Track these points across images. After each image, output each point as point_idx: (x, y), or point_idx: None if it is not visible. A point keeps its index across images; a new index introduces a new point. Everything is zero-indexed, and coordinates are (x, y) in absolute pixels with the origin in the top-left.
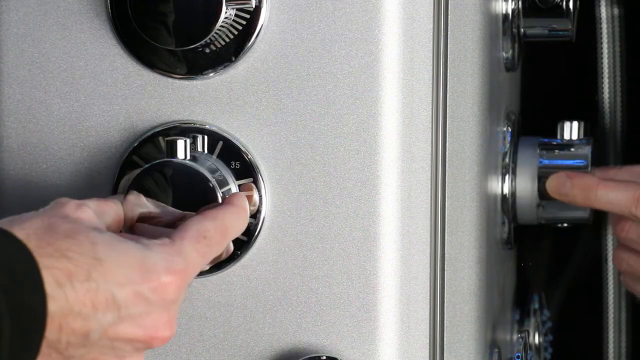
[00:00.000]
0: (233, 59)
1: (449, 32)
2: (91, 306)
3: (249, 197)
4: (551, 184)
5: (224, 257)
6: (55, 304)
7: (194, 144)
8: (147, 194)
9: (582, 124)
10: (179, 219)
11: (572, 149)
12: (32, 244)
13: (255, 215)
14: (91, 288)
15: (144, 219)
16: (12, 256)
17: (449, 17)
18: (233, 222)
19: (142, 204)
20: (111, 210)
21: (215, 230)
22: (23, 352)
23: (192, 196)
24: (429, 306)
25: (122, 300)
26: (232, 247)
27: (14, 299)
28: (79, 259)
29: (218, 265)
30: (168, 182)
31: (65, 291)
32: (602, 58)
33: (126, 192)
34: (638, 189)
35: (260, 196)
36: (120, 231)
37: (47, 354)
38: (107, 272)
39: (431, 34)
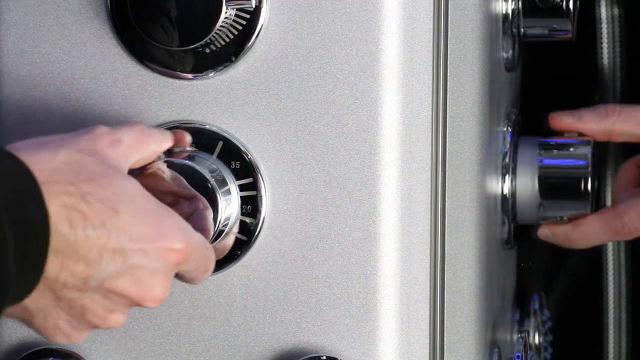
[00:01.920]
0: (233, 59)
1: (449, 32)
2: (97, 253)
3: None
4: (540, 235)
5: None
6: (63, 242)
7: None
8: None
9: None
10: (188, 197)
11: (572, 149)
12: (50, 177)
13: (255, 215)
14: (102, 235)
15: (161, 185)
16: (18, 183)
17: (449, 17)
18: (211, 266)
19: (166, 171)
20: (148, 148)
21: (211, 256)
22: (26, 270)
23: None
24: (429, 306)
25: (129, 254)
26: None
27: (17, 216)
28: (97, 205)
29: (218, 265)
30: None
31: (76, 232)
32: (602, 58)
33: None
34: (612, 222)
35: (260, 196)
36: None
37: (40, 290)
38: (123, 225)
39: (431, 34)
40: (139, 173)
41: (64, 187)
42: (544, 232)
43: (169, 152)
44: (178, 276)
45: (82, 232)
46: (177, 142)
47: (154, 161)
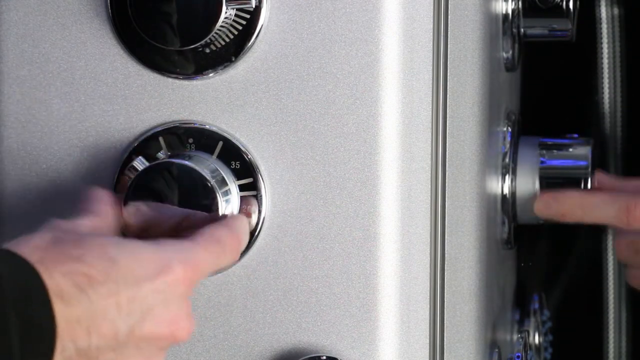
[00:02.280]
0: (233, 59)
1: (449, 32)
2: (115, 307)
3: (249, 214)
4: (538, 207)
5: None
6: (81, 308)
7: (194, 144)
8: (147, 194)
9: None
10: (184, 218)
11: (572, 149)
12: (44, 257)
13: (255, 215)
14: (112, 289)
15: (150, 227)
16: (19, 274)
17: (449, 17)
18: (243, 231)
19: (141, 211)
20: (103, 224)
21: (227, 237)
22: None
23: (191, 196)
24: (429, 306)
25: (142, 297)
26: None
27: (24, 316)
28: (94, 262)
29: None
30: (168, 182)
31: (88, 295)
32: (602, 58)
33: (124, 203)
34: (626, 200)
35: (261, 196)
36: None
37: None
38: (125, 271)
39: (431, 34)
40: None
41: (57, 257)
42: (544, 201)
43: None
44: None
45: (93, 292)
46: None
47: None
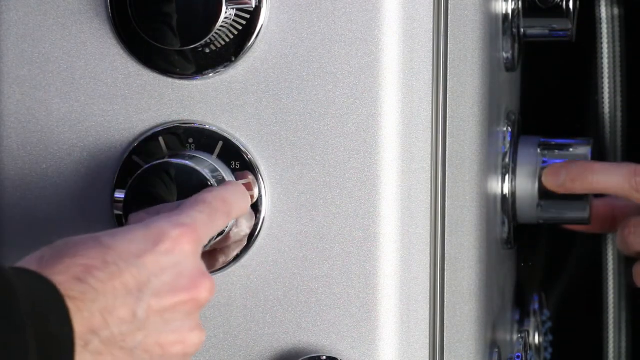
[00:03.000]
0: (233, 59)
1: (449, 32)
2: (123, 288)
3: (247, 185)
4: (547, 178)
5: (233, 240)
6: (89, 301)
7: (194, 143)
8: (147, 194)
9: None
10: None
11: (572, 149)
12: (40, 265)
13: (255, 215)
14: (114, 272)
15: None
16: (36, 289)
17: (449, 17)
18: (231, 194)
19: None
20: None
21: (214, 198)
22: None
23: (191, 196)
24: (429, 306)
25: (148, 271)
26: (247, 231)
27: (40, 331)
28: (89, 253)
29: None
30: (168, 182)
31: (90, 284)
32: (602, 58)
33: (125, 218)
34: (631, 165)
35: (260, 196)
36: None
37: (109, 353)
38: (121, 252)
39: (431, 34)
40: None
41: (53, 262)
42: (553, 170)
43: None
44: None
45: (94, 280)
46: None
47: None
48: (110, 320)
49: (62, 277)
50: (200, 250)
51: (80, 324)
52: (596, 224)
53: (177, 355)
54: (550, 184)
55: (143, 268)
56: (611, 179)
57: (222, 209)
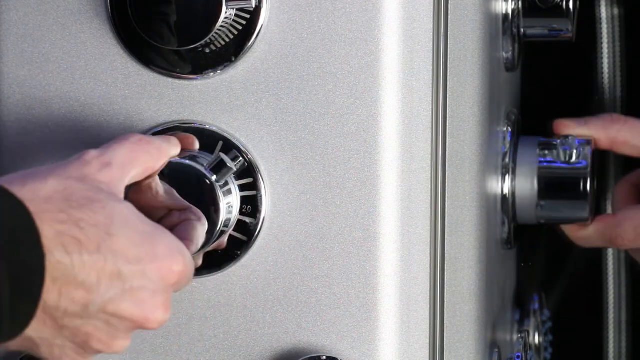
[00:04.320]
0: (233, 59)
1: (449, 32)
2: (96, 278)
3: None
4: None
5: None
6: (60, 269)
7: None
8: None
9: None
10: (180, 209)
11: (572, 149)
12: (43, 207)
13: (255, 215)
14: (98, 260)
15: (154, 201)
16: (11, 216)
17: (449, 17)
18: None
19: (159, 185)
20: (142, 163)
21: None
22: (21, 308)
23: (191, 196)
24: (429, 306)
25: (128, 277)
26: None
27: (13, 258)
28: (90, 230)
29: (218, 265)
30: (167, 182)
31: (72, 258)
32: (602, 58)
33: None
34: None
35: (260, 196)
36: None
37: (42, 320)
38: (118, 248)
39: (431, 34)
40: (131, 189)
41: (56, 215)
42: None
43: None
44: None
45: (79, 258)
46: (186, 146)
47: (150, 176)
48: (65, 296)
49: (53, 239)
50: (176, 287)
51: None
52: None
53: (95, 351)
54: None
55: (125, 272)
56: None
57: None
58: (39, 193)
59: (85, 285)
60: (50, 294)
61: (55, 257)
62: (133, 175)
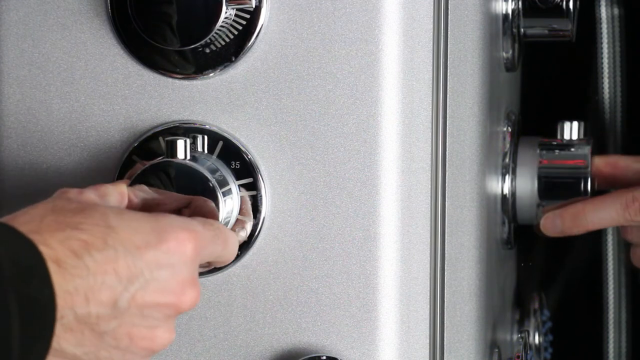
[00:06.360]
0: (233, 59)
1: (449, 32)
2: (114, 274)
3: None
4: (544, 226)
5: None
6: (77, 277)
7: (194, 144)
8: None
9: (582, 124)
10: (185, 204)
11: (572, 149)
12: (40, 225)
13: (255, 215)
14: (110, 256)
15: (149, 206)
16: (18, 250)
17: (449, 17)
18: (232, 236)
19: (145, 190)
20: (113, 191)
21: (221, 226)
22: (34, 345)
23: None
24: (429, 306)
25: (144, 265)
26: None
27: (22, 294)
28: (92, 229)
29: None
30: (168, 182)
31: (85, 262)
32: (602, 58)
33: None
34: (623, 196)
35: (260, 196)
36: None
37: (79, 331)
38: (124, 238)
39: (431, 34)
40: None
41: (55, 227)
42: (549, 219)
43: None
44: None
45: (90, 258)
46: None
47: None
48: (91, 301)
49: (60, 247)
50: (198, 260)
51: (61, 296)
52: (598, 181)
53: (143, 349)
54: (550, 232)
55: (140, 260)
56: (605, 216)
57: (222, 238)
58: (34, 217)
59: (106, 283)
60: (78, 303)
61: (70, 267)
62: (112, 200)
